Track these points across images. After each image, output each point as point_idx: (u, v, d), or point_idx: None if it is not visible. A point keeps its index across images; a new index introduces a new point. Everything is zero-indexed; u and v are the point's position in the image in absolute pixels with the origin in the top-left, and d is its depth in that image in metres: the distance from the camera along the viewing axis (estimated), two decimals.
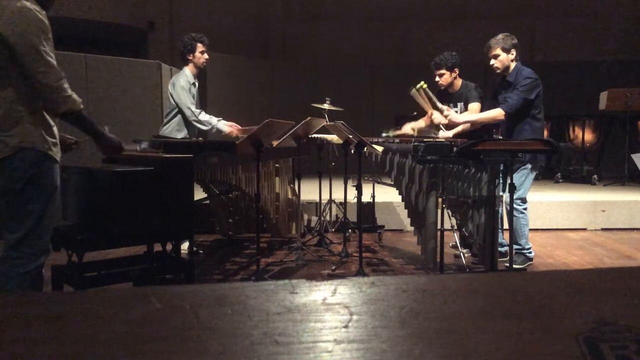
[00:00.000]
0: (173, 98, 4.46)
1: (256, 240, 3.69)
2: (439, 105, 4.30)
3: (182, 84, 4.41)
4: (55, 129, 2.45)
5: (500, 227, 3.90)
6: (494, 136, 4.58)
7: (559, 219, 5.69)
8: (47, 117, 2.38)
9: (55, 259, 2.74)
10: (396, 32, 10.29)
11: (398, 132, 4.62)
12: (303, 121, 3.96)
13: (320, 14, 10.44)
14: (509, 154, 3.34)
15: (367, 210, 5.35)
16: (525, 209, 4.11)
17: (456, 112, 4.51)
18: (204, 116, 4.46)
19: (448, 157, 3.49)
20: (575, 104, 8.47)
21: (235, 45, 9.17)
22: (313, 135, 4.78)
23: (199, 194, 4.70)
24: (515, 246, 4.07)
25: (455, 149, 3.49)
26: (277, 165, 4.77)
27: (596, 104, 7.65)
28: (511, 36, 4.14)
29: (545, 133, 8.19)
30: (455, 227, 4.05)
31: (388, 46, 10.22)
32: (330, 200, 5.33)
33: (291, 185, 5.11)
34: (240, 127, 4.62)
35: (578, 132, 7.88)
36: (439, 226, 3.53)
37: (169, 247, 3.07)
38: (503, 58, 4.09)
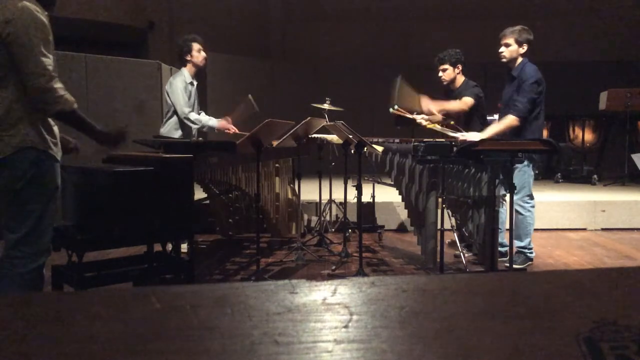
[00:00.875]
0: (169, 97, 4.50)
1: (256, 240, 3.69)
2: (417, 116, 4.44)
3: (177, 83, 4.45)
4: (55, 128, 2.45)
5: (502, 226, 3.91)
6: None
7: (559, 219, 5.69)
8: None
9: (55, 259, 2.74)
10: (396, 32, 10.29)
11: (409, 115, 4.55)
12: (303, 121, 3.96)
13: (320, 14, 10.44)
14: (509, 154, 3.34)
15: (367, 210, 5.35)
16: (532, 206, 4.10)
17: None
18: (193, 115, 4.49)
19: (448, 157, 3.49)
20: (575, 104, 8.46)
21: (235, 45, 9.17)
22: (313, 135, 4.78)
23: (199, 194, 4.70)
24: (518, 244, 4.07)
25: (455, 149, 3.49)
26: (277, 165, 4.77)
27: (596, 104, 7.65)
28: (528, 31, 4.10)
29: (545, 133, 8.20)
30: (455, 227, 4.05)
31: (388, 46, 10.22)
32: (330, 200, 5.33)
33: (291, 185, 5.11)
34: (230, 119, 4.67)
35: (578, 132, 7.88)
36: (439, 226, 3.53)
37: (169, 247, 3.08)
38: (513, 49, 4.06)
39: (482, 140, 3.66)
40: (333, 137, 4.90)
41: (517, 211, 3.95)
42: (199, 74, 4.69)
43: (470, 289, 0.92)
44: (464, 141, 3.94)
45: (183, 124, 4.51)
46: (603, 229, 5.65)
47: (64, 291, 2.65)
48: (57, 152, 2.43)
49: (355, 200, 4.09)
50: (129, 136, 2.73)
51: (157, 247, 3.10)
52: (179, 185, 2.89)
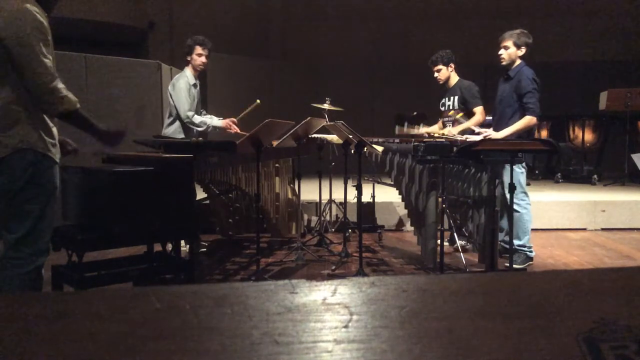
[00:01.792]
0: (172, 98, 4.49)
1: (256, 240, 3.69)
2: (423, 129, 4.64)
3: (181, 86, 4.44)
4: (54, 129, 2.44)
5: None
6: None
7: (559, 219, 5.69)
8: (46, 118, 2.38)
9: (55, 259, 2.74)
10: (396, 32, 10.30)
11: (412, 131, 4.68)
12: (303, 121, 3.96)
13: (320, 14, 10.44)
14: (509, 154, 3.34)
15: (367, 210, 5.35)
16: (528, 204, 4.12)
17: (448, 106, 4.76)
18: (197, 118, 4.48)
19: (448, 157, 3.49)
20: (575, 104, 8.47)
21: (235, 45, 9.16)
22: (313, 135, 4.78)
23: (199, 194, 4.70)
24: (516, 242, 4.07)
25: (455, 149, 3.49)
26: (277, 165, 4.77)
27: (596, 104, 7.65)
28: (527, 34, 4.22)
29: (545, 133, 8.21)
30: (454, 227, 4.05)
31: (388, 46, 10.23)
32: (330, 200, 5.33)
33: (291, 185, 5.11)
34: (234, 120, 4.67)
35: (578, 132, 7.88)
36: (439, 226, 3.53)
37: (169, 247, 3.08)
38: (512, 52, 4.18)
39: (482, 141, 3.66)
40: (333, 137, 4.90)
41: (514, 210, 3.96)
42: (200, 74, 4.69)
43: (470, 289, 0.92)
44: (487, 138, 4.06)
45: (187, 128, 4.50)
46: (603, 229, 5.65)
47: (64, 291, 2.65)
48: (56, 154, 2.43)
49: (355, 200, 4.09)
50: (129, 135, 2.73)
51: (157, 247, 3.10)
52: (179, 185, 2.89)
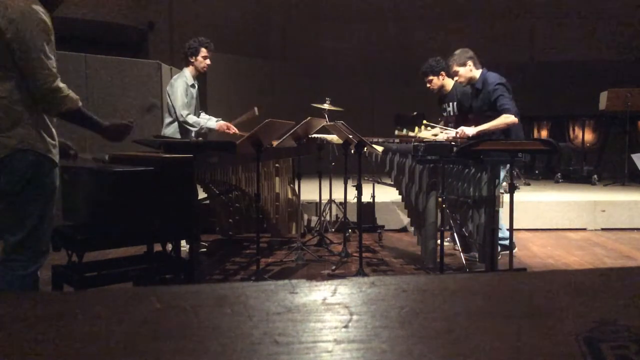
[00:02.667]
0: (170, 98, 4.49)
1: (256, 240, 3.69)
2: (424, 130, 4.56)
3: (178, 85, 4.44)
4: (54, 130, 2.44)
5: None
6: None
7: (559, 219, 5.69)
8: (47, 118, 2.37)
9: (55, 259, 2.74)
10: (396, 32, 10.29)
11: (412, 134, 4.63)
12: (303, 121, 3.96)
13: (320, 14, 10.44)
14: (508, 154, 3.34)
15: (367, 210, 5.35)
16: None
17: (449, 111, 4.74)
18: (191, 118, 4.48)
19: (448, 157, 3.49)
20: (575, 104, 8.46)
21: (235, 45, 9.16)
22: (313, 135, 4.78)
23: (199, 194, 4.70)
24: (501, 235, 4.01)
25: (455, 149, 3.49)
26: (277, 165, 4.77)
27: (596, 104, 7.65)
28: (466, 50, 4.33)
29: (545, 133, 8.21)
30: (454, 227, 4.04)
31: (388, 46, 10.22)
32: (330, 200, 5.33)
33: (291, 185, 5.11)
34: (229, 124, 4.67)
35: (578, 132, 7.87)
36: (439, 226, 3.53)
37: (169, 247, 3.08)
38: (462, 72, 4.31)
39: (482, 141, 3.66)
40: (333, 137, 4.90)
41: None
42: (200, 75, 4.69)
43: (470, 289, 0.93)
44: (464, 135, 4.05)
45: (184, 128, 4.50)
46: (603, 229, 5.65)
47: (64, 291, 2.65)
48: (56, 155, 2.42)
49: (355, 200, 4.09)
50: (132, 131, 2.71)
51: (157, 247, 3.10)
52: (179, 186, 2.89)
